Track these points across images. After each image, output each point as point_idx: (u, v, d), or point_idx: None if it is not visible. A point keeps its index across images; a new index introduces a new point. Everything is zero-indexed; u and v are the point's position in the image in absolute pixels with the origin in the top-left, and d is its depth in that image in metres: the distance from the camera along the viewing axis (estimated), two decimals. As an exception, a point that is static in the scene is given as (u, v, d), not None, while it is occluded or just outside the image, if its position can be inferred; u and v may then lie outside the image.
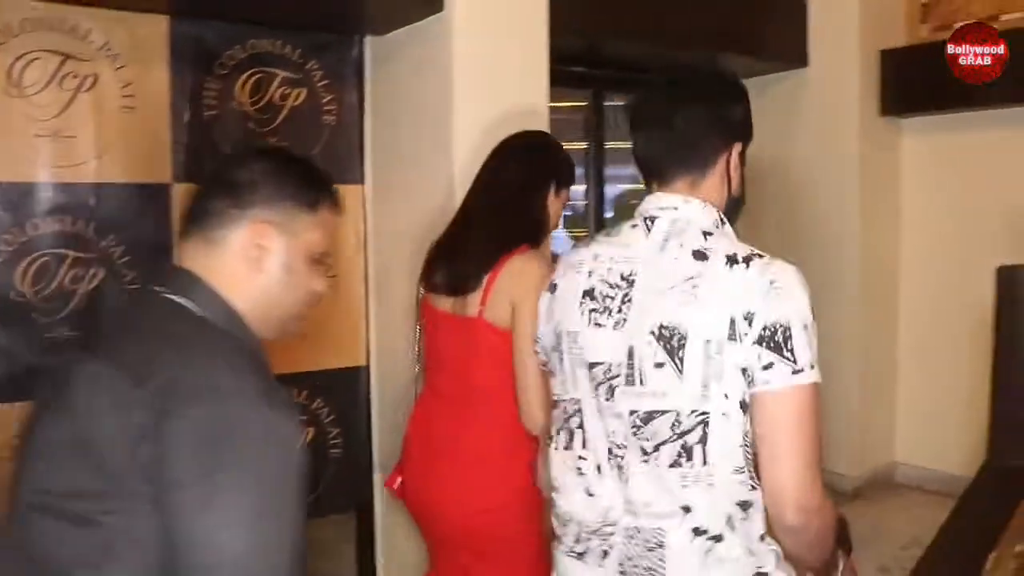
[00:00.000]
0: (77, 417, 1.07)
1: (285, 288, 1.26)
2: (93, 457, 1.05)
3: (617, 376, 1.46)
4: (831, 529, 1.46)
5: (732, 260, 1.43)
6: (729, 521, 1.43)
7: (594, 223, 3.52)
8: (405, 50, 2.62)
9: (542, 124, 2.51)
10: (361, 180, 2.79)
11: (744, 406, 1.40)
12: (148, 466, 1.02)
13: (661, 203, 1.52)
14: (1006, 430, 1.88)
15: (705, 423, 1.40)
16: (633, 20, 3.01)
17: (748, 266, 1.42)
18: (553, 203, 2.10)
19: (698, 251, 1.45)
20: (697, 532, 1.42)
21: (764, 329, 1.37)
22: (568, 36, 2.88)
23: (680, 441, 1.41)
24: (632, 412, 1.44)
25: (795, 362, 1.36)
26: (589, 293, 1.53)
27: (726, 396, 1.39)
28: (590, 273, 1.54)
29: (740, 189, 1.57)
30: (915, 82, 3.50)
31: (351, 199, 2.75)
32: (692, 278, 1.43)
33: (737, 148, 1.53)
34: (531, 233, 1.99)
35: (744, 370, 1.38)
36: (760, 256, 1.43)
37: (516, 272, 1.92)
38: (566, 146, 2.14)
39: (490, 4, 2.46)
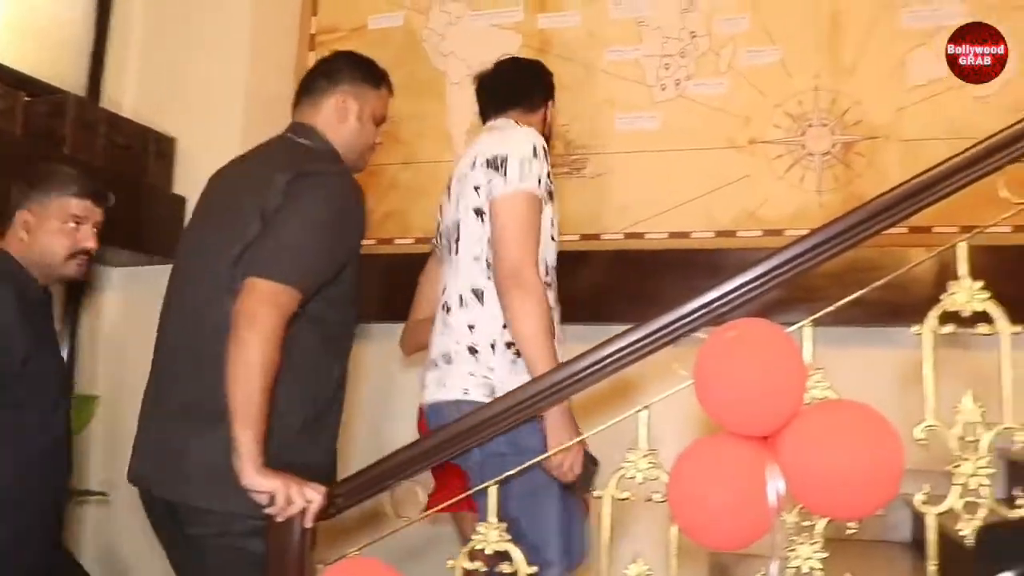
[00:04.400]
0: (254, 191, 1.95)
1: (358, 134, 2.14)
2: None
3: None
4: (537, 311, 2.07)
5: (494, 128, 2.37)
6: (461, 301, 2.21)
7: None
8: None
9: None
10: None
11: (478, 213, 2.20)
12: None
13: (492, 124, 2.42)
14: None
15: (458, 226, 2.26)
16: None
17: (501, 130, 2.32)
18: None
19: (487, 134, 2.36)
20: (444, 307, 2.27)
21: (489, 159, 2.18)
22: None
23: (454, 237, 2.27)
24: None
25: (506, 176, 2.14)
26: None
27: (466, 207, 2.23)
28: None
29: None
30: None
31: None
32: (475, 146, 2.30)
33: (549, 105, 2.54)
34: None
35: (477, 188, 2.19)
36: (517, 125, 2.33)
37: None
38: None
39: None
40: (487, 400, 2.02)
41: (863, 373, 2.70)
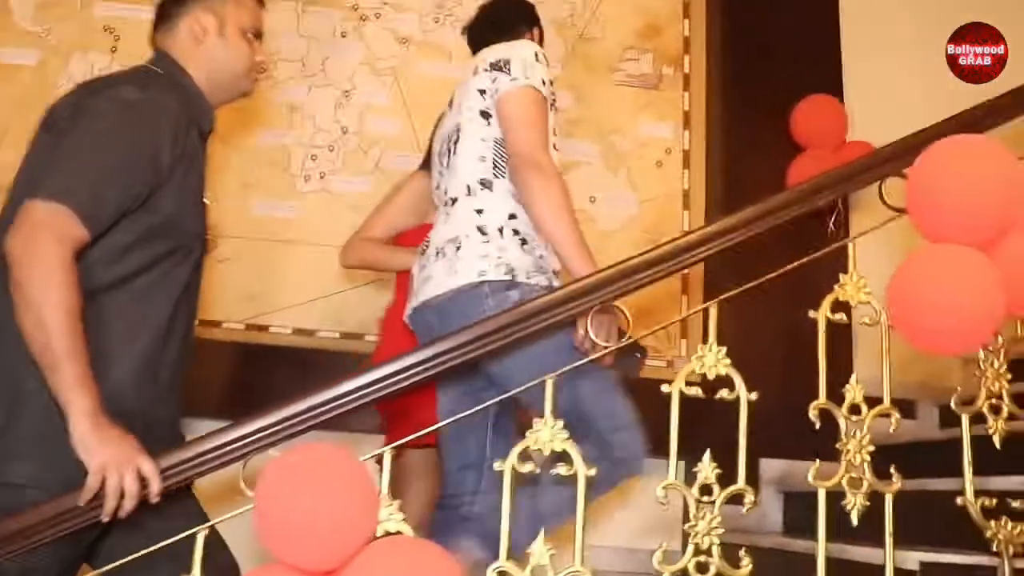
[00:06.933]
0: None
1: (223, 52, 1.87)
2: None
3: None
4: (559, 193, 2.03)
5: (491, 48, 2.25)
6: (468, 190, 2.14)
7: None
8: None
9: None
10: None
11: (484, 115, 2.15)
12: None
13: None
14: None
15: (459, 129, 2.20)
16: None
17: (500, 46, 2.23)
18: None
19: (486, 49, 2.25)
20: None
21: (492, 62, 2.16)
22: None
23: (453, 140, 2.22)
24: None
25: (511, 74, 2.11)
26: None
27: (470, 108, 2.17)
28: None
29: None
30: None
31: None
32: (475, 61, 2.26)
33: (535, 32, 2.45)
34: None
35: (482, 91, 2.15)
36: (521, 40, 2.29)
37: None
38: None
39: None
40: (507, 279, 2.00)
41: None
